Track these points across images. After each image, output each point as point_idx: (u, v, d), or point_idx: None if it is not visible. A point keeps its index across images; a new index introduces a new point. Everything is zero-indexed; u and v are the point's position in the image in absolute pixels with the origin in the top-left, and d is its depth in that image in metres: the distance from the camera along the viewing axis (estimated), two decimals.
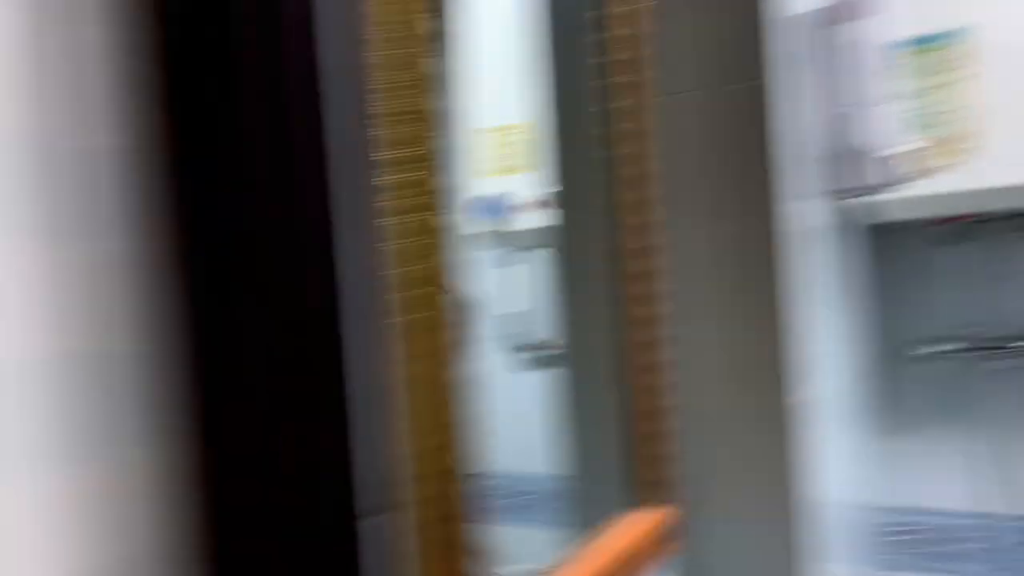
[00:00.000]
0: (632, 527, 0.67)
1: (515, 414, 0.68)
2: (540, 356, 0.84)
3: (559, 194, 0.73)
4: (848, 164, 0.93)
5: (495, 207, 0.91)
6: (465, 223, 0.54)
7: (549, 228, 0.73)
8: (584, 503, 0.74)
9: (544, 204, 0.73)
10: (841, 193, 0.96)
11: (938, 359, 1.49)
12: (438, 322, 0.44)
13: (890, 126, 0.99)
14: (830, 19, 0.93)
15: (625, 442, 0.72)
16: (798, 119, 0.89)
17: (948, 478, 1.58)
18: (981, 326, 1.52)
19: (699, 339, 0.82)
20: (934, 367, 1.57)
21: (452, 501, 0.44)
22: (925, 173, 1.25)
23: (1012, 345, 1.43)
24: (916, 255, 1.56)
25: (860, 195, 1.02)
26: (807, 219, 0.93)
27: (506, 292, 0.85)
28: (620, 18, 0.76)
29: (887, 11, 0.95)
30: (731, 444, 0.81)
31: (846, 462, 1.21)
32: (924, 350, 1.47)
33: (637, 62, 0.76)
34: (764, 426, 0.80)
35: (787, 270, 0.80)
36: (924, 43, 1.25)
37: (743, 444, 0.81)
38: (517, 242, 0.74)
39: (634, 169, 0.75)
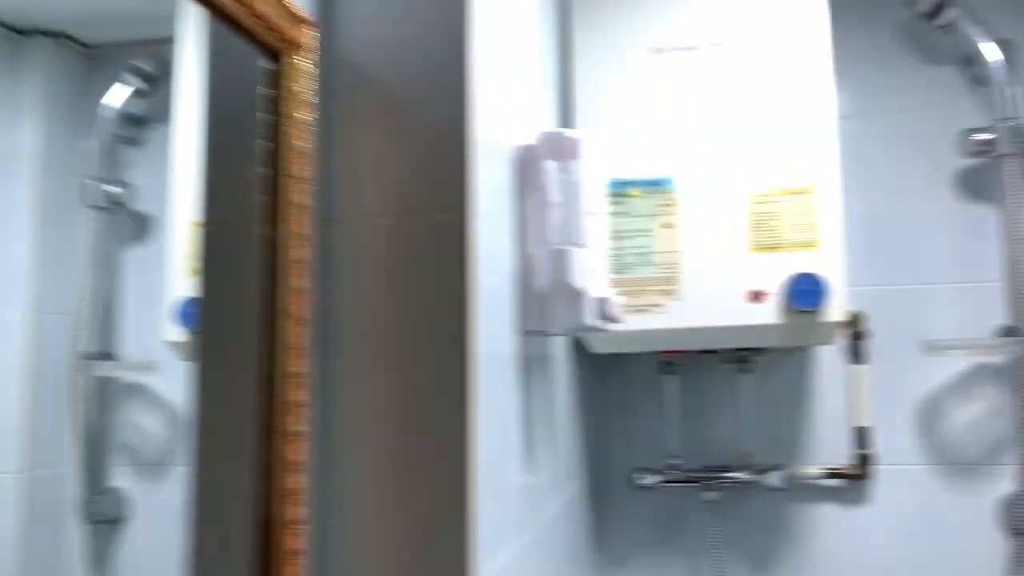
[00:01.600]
0: None
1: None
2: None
3: (203, 314, 0.62)
4: (558, 303, 0.91)
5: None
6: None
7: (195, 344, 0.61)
8: None
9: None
10: (550, 331, 0.93)
11: (655, 489, 1.51)
12: None
13: (600, 267, 0.99)
14: (540, 155, 0.93)
15: None
16: (503, 255, 0.86)
17: None
18: (695, 456, 1.58)
19: (372, 495, 0.73)
20: (652, 497, 1.60)
21: None
22: (635, 312, 1.29)
23: (727, 476, 1.48)
24: (632, 387, 1.62)
25: (572, 333, 1.01)
26: (506, 356, 0.88)
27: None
28: (290, 127, 0.69)
29: (596, 154, 0.96)
30: None
31: None
32: (641, 480, 1.48)
33: (302, 179, 0.69)
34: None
35: (475, 414, 0.74)
36: (630, 187, 1.31)
37: None
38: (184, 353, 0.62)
39: (287, 298, 0.67)
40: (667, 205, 1.30)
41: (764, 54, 1.30)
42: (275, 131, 0.70)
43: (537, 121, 1.10)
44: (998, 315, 1.52)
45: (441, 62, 0.75)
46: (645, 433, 1.61)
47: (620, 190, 1.31)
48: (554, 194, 0.93)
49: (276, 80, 0.70)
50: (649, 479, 1.48)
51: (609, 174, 1.30)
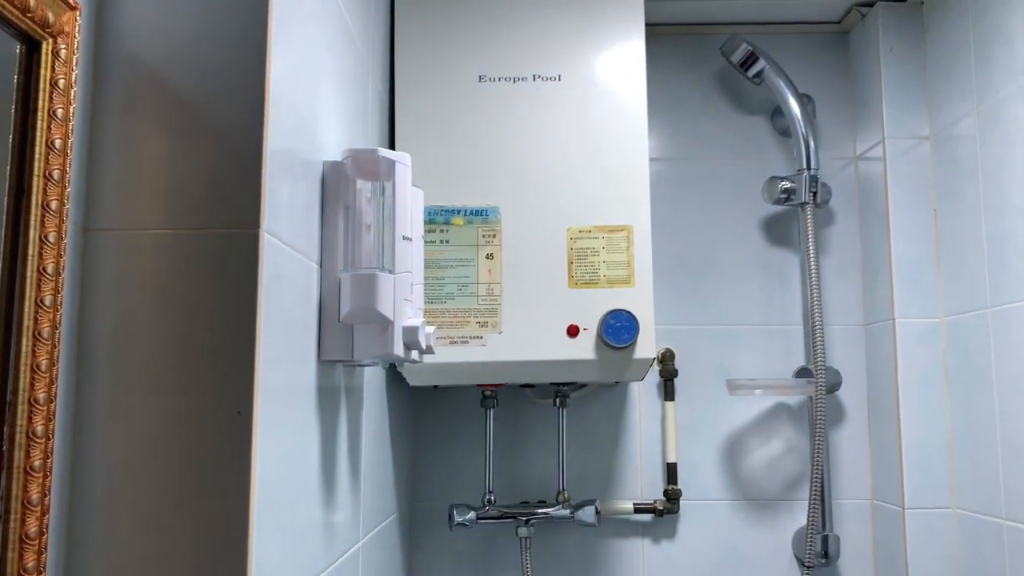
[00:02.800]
0: None
1: None
2: None
3: None
4: (364, 331, 0.86)
5: None
6: None
7: None
8: None
9: None
10: (354, 360, 0.87)
11: (469, 526, 1.47)
12: None
13: (415, 295, 0.95)
14: (351, 174, 0.87)
15: None
16: (302, 277, 0.79)
17: None
18: (512, 491, 1.56)
19: (132, 538, 0.64)
20: (468, 533, 1.56)
21: None
22: (454, 344, 1.26)
23: (541, 512, 1.47)
24: (453, 420, 1.58)
25: (379, 363, 0.96)
26: (300, 386, 0.82)
27: None
28: (47, 123, 0.60)
29: (411, 177, 0.92)
30: None
31: None
32: (458, 517, 1.44)
33: (59, 181, 0.60)
34: None
35: (256, 446, 0.67)
36: (453, 215, 1.28)
37: None
38: None
39: (31, 314, 0.58)
40: (491, 235, 1.28)
41: (584, 93, 1.32)
42: (29, 126, 0.61)
43: (354, 141, 1.05)
44: (799, 357, 1.61)
45: (238, 60, 0.68)
46: (464, 467, 1.58)
47: (443, 218, 1.28)
48: (365, 216, 0.88)
49: (32, 70, 0.61)
50: (466, 516, 1.44)
51: (432, 201, 1.27)
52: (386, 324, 0.86)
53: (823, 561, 1.53)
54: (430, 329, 1.00)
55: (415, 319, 0.90)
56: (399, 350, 0.87)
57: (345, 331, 0.86)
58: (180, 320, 0.66)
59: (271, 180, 0.70)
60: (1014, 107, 1.28)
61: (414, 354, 0.94)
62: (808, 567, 1.44)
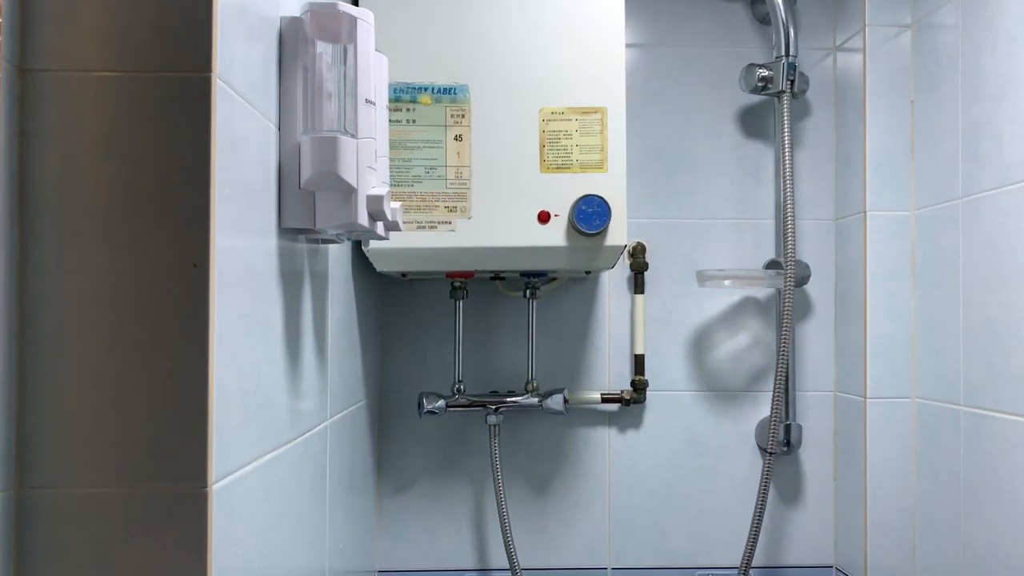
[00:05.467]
0: None
1: None
2: None
3: None
4: (325, 198, 0.83)
5: None
6: None
7: None
8: None
9: None
10: (316, 229, 0.84)
11: (441, 414, 1.48)
12: None
13: (380, 163, 0.91)
14: (310, 32, 0.83)
15: None
16: (258, 136, 0.76)
17: (457, 535, 1.58)
18: (482, 381, 1.57)
19: (87, 395, 0.62)
20: (438, 421, 1.58)
21: None
22: (422, 228, 1.23)
23: (510, 400, 1.48)
24: (422, 311, 1.57)
25: (342, 233, 0.93)
26: (259, 253, 0.79)
27: None
28: None
29: (375, 36, 0.87)
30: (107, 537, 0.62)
31: (344, 527, 1.10)
32: (427, 405, 1.44)
33: None
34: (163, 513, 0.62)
35: (214, 307, 0.65)
36: (420, 93, 1.23)
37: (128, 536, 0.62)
38: None
39: None
40: (460, 116, 1.24)
41: None
42: None
43: None
44: (769, 251, 1.61)
45: None
46: (434, 358, 1.58)
47: (409, 95, 1.23)
48: (327, 81, 0.83)
49: None
50: (435, 403, 1.45)
51: (397, 77, 1.22)
52: (349, 191, 0.83)
53: (785, 449, 1.57)
54: (396, 204, 0.97)
55: (380, 189, 0.87)
56: (363, 219, 0.85)
57: (306, 198, 0.83)
58: (128, 169, 0.62)
59: (223, 26, 0.65)
60: None
61: (379, 227, 0.92)
62: (770, 453, 1.48)
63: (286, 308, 0.86)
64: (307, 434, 0.95)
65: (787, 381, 1.55)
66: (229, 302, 0.67)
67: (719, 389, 1.61)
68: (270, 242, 0.79)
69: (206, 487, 0.62)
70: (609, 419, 1.60)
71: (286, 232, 0.85)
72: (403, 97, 1.23)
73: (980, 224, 1.29)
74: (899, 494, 1.47)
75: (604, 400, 1.56)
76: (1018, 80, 1.20)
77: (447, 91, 1.23)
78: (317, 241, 0.99)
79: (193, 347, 0.62)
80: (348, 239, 0.99)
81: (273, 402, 0.81)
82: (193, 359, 0.62)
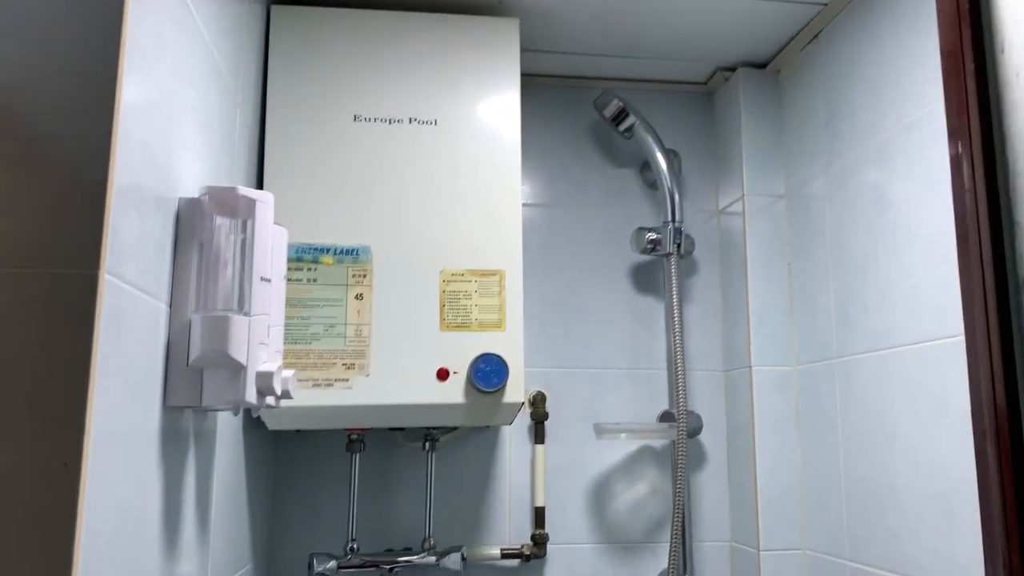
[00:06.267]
0: None
1: None
2: None
3: None
4: (213, 376, 0.82)
5: None
6: None
7: None
8: None
9: None
10: (204, 406, 0.83)
11: (331, 575, 1.42)
12: None
13: (274, 338, 0.91)
14: (208, 211, 0.84)
15: None
16: (149, 319, 0.75)
17: None
18: (378, 538, 1.52)
19: None
20: None
21: None
22: (318, 386, 1.22)
23: (403, 560, 1.43)
24: (317, 465, 1.53)
25: (230, 409, 0.92)
26: (141, 432, 0.77)
27: None
28: None
29: (273, 214, 0.89)
30: None
31: None
32: (318, 567, 1.39)
33: None
34: None
35: (85, 498, 0.62)
36: (322, 254, 1.25)
37: None
38: None
39: None
40: (361, 275, 1.26)
41: (460, 138, 1.33)
42: None
43: (218, 178, 1.01)
44: (663, 400, 1.66)
45: (85, 92, 0.65)
46: (328, 514, 1.52)
47: (311, 256, 1.25)
48: (223, 254, 0.84)
49: None
50: (326, 565, 1.39)
51: (301, 238, 1.24)
52: (238, 369, 0.82)
53: None
54: (288, 373, 0.97)
55: (270, 364, 0.86)
56: (251, 396, 0.84)
57: (194, 376, 0.82)
58: (6, 364, 0.61)
59: (117, 218, 0.66)
60: (855, 173, 1.38)
61: (269, 400, 0.91)
62: None
63: (166, 482, 0.83)
64: None
65: (684, 532, 1.56)
66: (103, 496, 0.64)
67: (619, 540, 1.61)
68: (152, 422, 0.78)
69: None
70: (509, 575, 1.56)
71: (172, 408, 0.83)
72: (305, 257, 1.24)
73: (852, 384, 1.37)
74: None
75: (504, 556, 1.53)
76: (878, 255, 1.31)
77: (349, 252, 1.26)
78: (205, 412, 0.97)
79: (58, 555, 0.59)
80: (234, 413, 0.97)
81: None
82: (57, 564, 0.59)
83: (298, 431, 1.42)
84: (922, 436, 1.18)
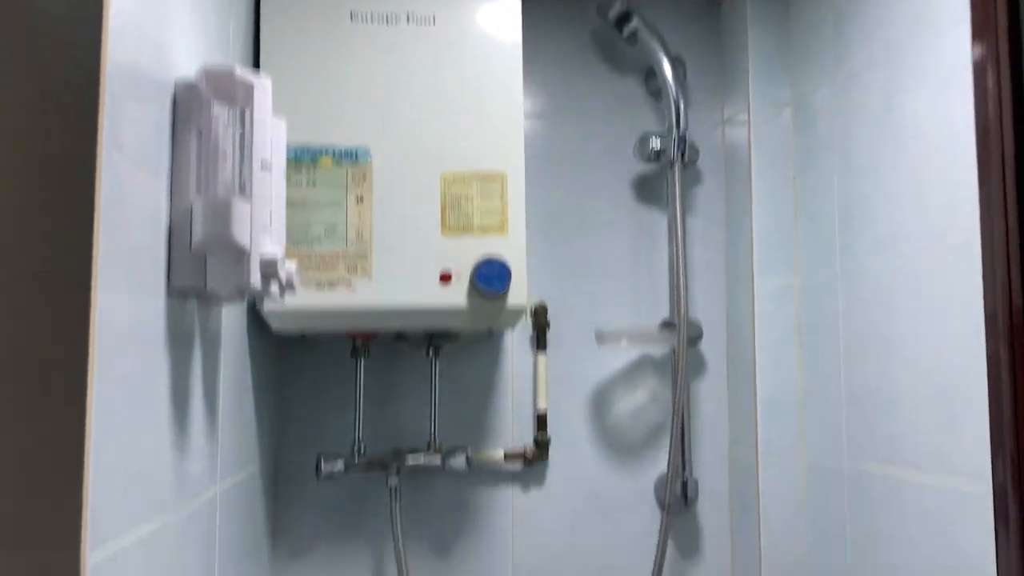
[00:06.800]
0: None
1: None
2: None
3: None
4: (217, 260, 0.82)
5: None
6: None
7: None
8: None
9: None
10: (207, 291, 0.83)
11: (340, 477, 1.45)
12: None
13: (276, 225, 0.91)
14: (206, 95, 0.83)
15: None
16: (149, 202, 0.75)
17: None
18: (383, 442, 1.55)
19: None
20: (337, 485, 1.55)
21: None
22: (321, 288, 1.23)
23: (409, 462, 1.46)
24: (322, 372, 1.56)
25: (235, 295, 0.92)
26: (145, 317, 0.78)
27: None
28: None
29: (272, 101, 0.88)
30: None
31: None
32: (326, 467, 1.42)
33: None
34: None
35: (94, 375, 0.63)
36: (321, 155, 1.25)
37: None
38: None
39: None
40: (361, 178, 1.25)
41: (460, 37, 1.31)
42: None
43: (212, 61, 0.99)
44: (664, 311, 1.67)
45: None
46: (334, 419, 1.55)
47: (310, 156, 1.24)
48: (222, 142, 0.84)
49: None
50: (334, 465, 1.42)
51: (297, 138, 1.23)
52: (242, 254, 0.82)
53: (683, 504, 1.60)
54: (292, 265, 0.97)
55: (274, 251, 0.87)
56: (256, 282, 0.84)
57: (197, 261, 0.82)
58: (9, 233, 0.61)
59: (112, 98, 0.65)
60: (863, 76, 1.36)
61: (273, 288, 0.91)
62: (668, 510, 1.51)
63: (173, 371, 0.84)
64: (195, 503, 0.92)
65: (683, 438, 1.59)
66: (111, 363, 0.65)
67: (619, 446, 1.64)
68: (158, 302, 0.78)
69: (79, 558, 0.60)
70: (512, 478, 1.60)
71: (176, 292, 0.83)
72: (303, 158, 1.24)
73: (855, 291, 1.37)
74: (792, 548, 1.51)
75: (507, 458, 1.56)
76: (884, 159, 1.30)
77: (348, 154, 1.25)
78: (209, 303, 0.97)
79: (69, 411, 0.60)
80: (242, 299, 0.98)
81: (158, 471, 0.79)
82: (69, 423, 0.60)
83: (303, 337, 1.44)
84: (924, 338, 1.19)
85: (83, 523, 0.60)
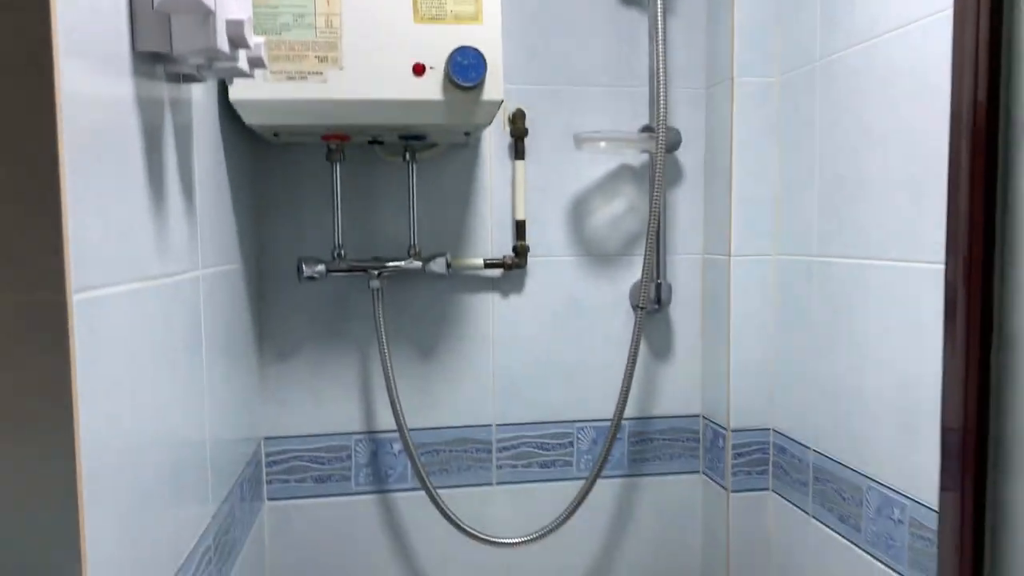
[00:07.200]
0: None
1: None
2: None
3: None
4: (181, 20, 0.79)
5: None
6: None
7: None
8: None
9: None
10: (173, 52, 0.80)
11: (322, 279, 1.48)
12: None
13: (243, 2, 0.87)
14: None
15: None
16: None
17: (343, 400, 1.60)
18: (362, 247, 1.57)
19: None
20: (319, 287, 1.57)
21: None
22: (291, 79, 1.19)
23: (390, 265, 1.48)
24: (299, 176, 1.54)
25: (206, 67, 0.89)
26: (114, 81, 0.75)
27: None
28: None
29: None
30: None
31: (224, 399, 1.10)
32: (307, 270, 1.44)
33: None
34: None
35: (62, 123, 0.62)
36: None
37: None
38: None
39: None
40: None
41: None
42: None
43: None
44: (644, 118, 1.65)
45: None
46: (312, 224, 1.56)
47: None
48: None
49: None
50: (315, 268, 1.44)
51: None
52: (207, 14, 0.79)
53: (656, 306, 1.66)
54: (260, 39, 0.94)
55: (241, 13, 0.83)
56: (223, 44, 0.81)
57: (161, 21, 0.79)
58: None
59: None
60: None
61: (242, 59, 0.89)
62: (641, 309, 1.56)
63: (146, 142, 0.82)
64: (176, 277, 0.94)
65: (658, 243, 1.62)
66: (76, 120, 0.64)
67: (596, 253, 1.67)
68: (123, 65, 0.76)
69: (65, 296, 0.61)
70: (492, 284, 1.63)
71: (142, 59, 0.81)
72: None
73: (833, 84, 1.36)
74: (759, 343, 1.58)
75: (487, 266, 1.59)
76: None
77: None
78: (178, 78, 0.95)
79: (42, 157, 0.60)
80: (210, 75, 0.95)
81: (139, 231, 0.79)
82: (42, 167, 0.60)
83: (276, 136, 1.41)
84: (894, 126, 1.19)
85: (66, 262, 0.61)
